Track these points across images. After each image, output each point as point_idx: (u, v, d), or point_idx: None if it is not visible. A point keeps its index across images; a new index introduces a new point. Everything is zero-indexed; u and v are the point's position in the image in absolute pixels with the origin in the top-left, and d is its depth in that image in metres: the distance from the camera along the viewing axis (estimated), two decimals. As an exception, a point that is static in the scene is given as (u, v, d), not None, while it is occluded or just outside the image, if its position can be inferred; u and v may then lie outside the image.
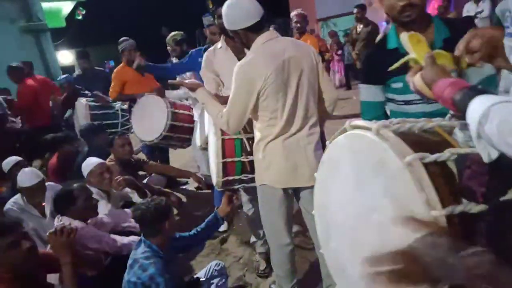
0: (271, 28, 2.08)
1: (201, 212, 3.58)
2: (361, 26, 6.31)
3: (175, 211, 3.61)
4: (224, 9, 1.94)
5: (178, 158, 5.20)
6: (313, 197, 1.99)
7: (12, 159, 3.18)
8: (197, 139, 3.23)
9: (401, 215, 0.80)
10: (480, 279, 0.52)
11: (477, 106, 0.66)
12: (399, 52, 1.50)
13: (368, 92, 1.71)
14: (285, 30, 5.44)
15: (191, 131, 3.79)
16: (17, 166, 3.13)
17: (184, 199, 3.80)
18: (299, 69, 1.95)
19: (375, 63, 1.67)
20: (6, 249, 1.71)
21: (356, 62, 6.73)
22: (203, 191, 3.99)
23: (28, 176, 2.76)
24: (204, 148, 2.84)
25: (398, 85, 1.58)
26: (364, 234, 0.98)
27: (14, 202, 2.79)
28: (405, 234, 0.78)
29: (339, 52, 9.92)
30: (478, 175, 0.70)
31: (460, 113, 0.71)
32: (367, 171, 0.95)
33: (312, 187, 2.04)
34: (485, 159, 0.64)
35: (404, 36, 1.15)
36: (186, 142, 3.96)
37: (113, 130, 4.40)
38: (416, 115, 1.57)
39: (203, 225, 2.34)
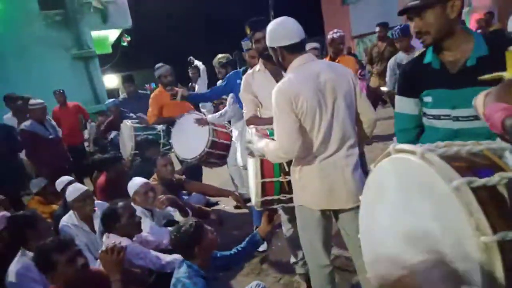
0: (308, 52, 2.12)
1: (240, 231, 3.62)
2: (385, 44, 5.87)
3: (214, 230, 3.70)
4: (270, 26, 2.05)
5: (213, 179, 5.30)
6: (351, 219, 2.01)
7: (65, 179, 3.40)
8: (238, 158, 3.30)
9: (451, 240, 0.79)
10: None
11: None
12: (431, 67, 1.58)
13: (401, 104, 1.74)
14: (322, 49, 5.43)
15: (228, 148, 3.89)
16: (69, 185, 3.34)
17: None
18: (336, 91, 1.96)
19: (410, 76, 1.71)
20: (64, 265, 1.83)
21: (372, 79, 6.14)
22: (241, 210, 4.04)
23: (74, 188, 2.97)
24: (244, 168, 2.89)
25: (428, 99, 1.62)
26: (412, 258, 0.97)
27: (68, 219, 2.96)
28: (458, 260, 0.77)
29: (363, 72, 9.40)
30: (530, 200, 0.69)
31: (509, 138, 0.71)
32: (414, 195, 0.95)
33: (350, 210, 2.06)
34: None
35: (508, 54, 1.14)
36: (223, 159, 4.06)
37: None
38: (444, 131, 1.59)
39: (243, 244, 2.36)
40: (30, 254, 2.23)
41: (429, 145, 0.98)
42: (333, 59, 4.26)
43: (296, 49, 2.00)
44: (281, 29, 2.01)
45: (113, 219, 2.38)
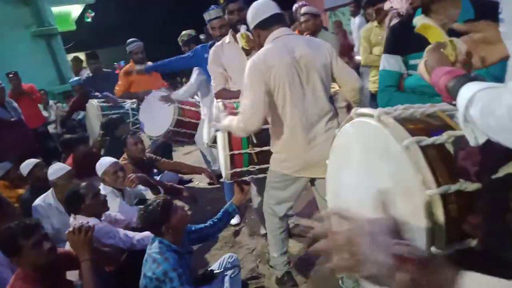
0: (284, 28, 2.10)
1: (213, 206, 3.64)
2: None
3: (187, 207, 3.71)
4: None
5: (185, 157, 5.28)
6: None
7: (31, 161, 3.28)
8: (204, 135, 3.28)
9: (403, 197, 0.83)
10: (400, 270, 0.55)
11: (465, 92, 0.69)
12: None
13: (390, 61, 1.75)
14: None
15: (197, 127, 3.86)
16: (37, 168, 3.23)
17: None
18: (310, 66, 1.99)
19: (399, 36, 1.74)
20: (30, 249, 1.78)
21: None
22: (214, 186, 4.06)
23: (58, 167, 2.93)
24: (211, 146, 2.88)
25: (416, 61, 1.64)
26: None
27: (44, 198, 2.89)
28: (407, 216, 0.81)
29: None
30: (471, 155, 0.72)
31: (454, 100, 0.74)
32: (374, 157, 0.98)
33: None
34: (472, 143, 0.67)
35: (417, 21, 1.17)
36: (192, 138, 4.04)
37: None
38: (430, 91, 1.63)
39: (219, 215, 2.41)
40: None
41: (387, 108, 1.01)
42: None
43: (268, 24, 2.02)
44: (251, 10, 2.06)
45: (76, 200, 2.33)
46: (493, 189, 0.66)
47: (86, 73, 6.43)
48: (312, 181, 2.22)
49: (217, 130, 2.36)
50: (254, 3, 2.07)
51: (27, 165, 3.26)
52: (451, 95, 0.78)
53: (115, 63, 9.84)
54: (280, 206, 2.28)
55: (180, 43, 4.64)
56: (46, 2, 8.97)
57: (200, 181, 4.57)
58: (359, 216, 0.67)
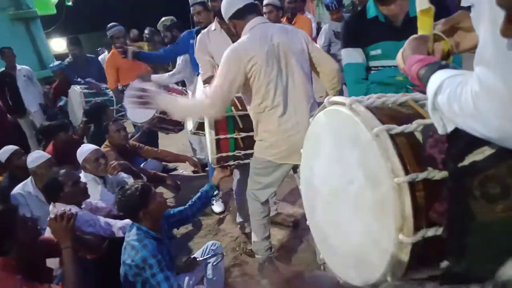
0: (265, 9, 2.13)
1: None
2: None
3: (172, 195, 3.70)
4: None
5: (171, 145, 5.24)
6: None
7: (9, 148, 3.21)
8: (188, 122, 3.25)
9: (372, 184, 0.84)
10: None
11: (435, 79, 0.69)
12: (379, 20, 1.65)
13: (349, 55, 1.79)
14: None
15: None
16: (15, 156, 3.16)
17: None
18: (288, 53, 2.02)
19: (355, 30, 1.78)
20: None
21: None
22: (199, 174, 4.05)
23: (35, 156, 2.87)
24: (195, 133, 2.87)
25: (377, 51, 1.67)
26: (343, 206, 1.02)
27: (23, 186, 2.84)
28: (376, 203, 0.82)
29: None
30: (438, 143, 0.73)
31: (425, 88, 0.74)
32: (345, 145, 0.99)
33: None
34: (440, 131, 0.67)
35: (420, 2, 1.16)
36: (178, 126, 3.99)
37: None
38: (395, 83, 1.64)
39: (198, 194, 2.41)
40: None
41: (359, 97, 1.01)
42: (290, 19, 4.18)
43: (243, 14, 2.05)
44: (224, 4, 2.09)
45: (55, 188, 2.29)
46: (458, 177, 0.67)
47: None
48: (295, 168, 2.24)
49: None
50: None
51: (4, 152, 3.19)
52: (423, 83, 0.79)
53: (98, 49, 9.59)
54: (263, 191, 2.30)
55: (161, 29, 4.55)
56: (27, -15, 8.67)
57: (184, 170, 4.55)
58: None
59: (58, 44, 13.53)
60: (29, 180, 2.87)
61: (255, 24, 2.03)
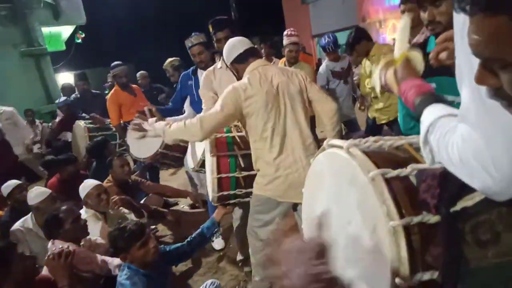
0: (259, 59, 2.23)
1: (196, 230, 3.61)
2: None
3: (170, 232, 3.67)
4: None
5: (171, 180, 5.26)
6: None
7: (12, 183, 3.23)
8: (189, 161, 3.28)
9: (369, 227, 0.86)
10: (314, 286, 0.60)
11: (427, 116, 0.73)
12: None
13: None
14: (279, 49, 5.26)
15: (185, 150, 3.86)
16: (17, 189, 3.18)
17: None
18: (287, 93, 2.11)
19: None
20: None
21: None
22: (198, 210, 4.04)
23: (37, 192, 2.87)
24: (197, 170, 2.90)
25: (432, 85, 1.67)
26: (343, 245, 1.03)
27: (23, 222, 2.84)
28: (372, 245, 0.84)
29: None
30: (431, 188, 0.76)
31: (418, 116, 0.78)
32: (343, 186, 1.02)
33: None
34: (428, 163, 0.70)
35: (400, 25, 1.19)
36: (179, 161, 4.02)
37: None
38: None
39: (199, 230, 2.41)
40: None
41: (357, 140, 1.05)
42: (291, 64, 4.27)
43: (244, 58, 2.18)
44: (226, 48, 2.22)
45: (56, 224, 2.29)
46: (450, 222, 0.69)
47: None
48: (295, 206, 2.24)
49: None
50: (228, 42, 2.24)
51: (7, 187, 3.21)
52: (417, 112, 0.82)
53: (104, 85, 9.84)
54: (263, 229, 2.29)
55: (169, 68, 4.72)
56: (37, 23, 9.03)
57: (185, 204, 4.54)
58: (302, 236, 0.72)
59: (65, 79, 13.88)
60: (29, 216, 2.88)
61: (256, 67, 2.14)
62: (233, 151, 2.37)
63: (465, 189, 0.68)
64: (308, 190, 1.28)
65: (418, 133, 1.80)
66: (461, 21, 0.59)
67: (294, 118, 2.11)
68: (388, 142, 1.00)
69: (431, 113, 0.74)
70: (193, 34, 3.05)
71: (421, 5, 1.56)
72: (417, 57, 1.05)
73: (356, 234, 0.92)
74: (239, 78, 2.23)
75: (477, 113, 0.56)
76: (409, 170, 0.84)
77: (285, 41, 4.09)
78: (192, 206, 4.31)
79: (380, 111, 3.64)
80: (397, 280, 0.75)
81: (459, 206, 0.68)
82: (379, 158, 0.92)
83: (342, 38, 4.65)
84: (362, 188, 0.87)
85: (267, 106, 2.05)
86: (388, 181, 0.82)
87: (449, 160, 0.63)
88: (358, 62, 3.73)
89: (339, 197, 1.05)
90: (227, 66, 2.76)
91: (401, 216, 0.76)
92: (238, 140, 2.40)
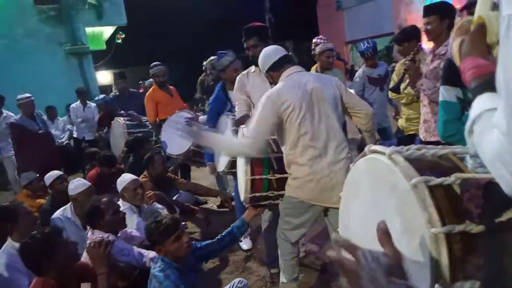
0: (294, 66, 2.28)
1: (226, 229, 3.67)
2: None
3: (199, 229, 3.74)
4: None
5: (201, 180, 5.35)
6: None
7: (54, 173, 3.42)
8: (220, 163, 3.34)
9: (409, 233, 0.86)
10: None
11: (478, 104, 0.72)
12: None
13: (447, 93, 1.78)
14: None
15: None
16: (59, 180, 3.36)
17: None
18: (321, 98, 2.14)
19: (457, 68, 1.75)
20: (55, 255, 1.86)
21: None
22: (226, 209, 4.10)
23: (77, 184, 3.03)
24: (227, 172, 2.96)
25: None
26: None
27: (62, 211, 3.00)
28: (412, 252, 0.84)
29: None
30: (475, 197, 0.76)
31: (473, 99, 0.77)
32: (382, 192, 1.02)
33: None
34: (471, 152, 0.70)
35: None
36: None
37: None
38: None
39: (229, 229, 2.45)
40: (16, 244, 2.26)
41: (399, 147, 1.06)
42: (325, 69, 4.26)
43: (279, 65, 2.24)
44: (261, 58, 2.31)
45: (97, 215, 2.41)
46: (494, 232, 0.69)
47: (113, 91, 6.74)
48: (326, 211, 2.25)
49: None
50: (263, 50, 2.31)
51: (50, 177, 3.40)
52: (472, 96, 0.79)
53: (140, 82, 10.17)
54: (293, 232, 2.32)
55: (208, 67, 4.85)
56: (81, 23, 9.49)
57: (213, 204, 4.62)
58: (364, 249, 0.70)
59: (104, 77, 14.46)
60: (68, 205, 3.04)
61: (291, 73, 2.20)
62: (266, 154, 2.41)
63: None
64: (345, 195, 1.29)
65: (457, 141, 1.74)
66: (504, 27, 0.59)
67: (327, 123, 2.14)
68: (431, 150, 1.00)
69: (480, 104, 0.73)
70: (222, 54, 3.20)
71: (470, 13, 1.52)
72: (493, 23, 0.90)
73: (396, 241, 0.92)
74: (274, 84, 2.28)
75: (508, 126, 0.57)
76: (453, 179, 0.84)
77: (321, 47, 4.10)
78: (220, 206, 4.39)
79: (410, 121, 3.57)
80: (437, 286, 0.75)
81: (505, 217, 0.68)
82: (421, 166, 0.92)
83: (379, 45, 4.60)
84: (403, 194, 0.88)
85: (300, 110, 2.09)
86: (430, 189, 0.82)
87: (484, 157, 0.64)
88: (404, 54, 3.62)
89: (377, 203, 1.06)
90: (260, 71, 2.83)
91: (443, 223, 0.77)
92: (272, 143, 2.43)
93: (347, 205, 1.28)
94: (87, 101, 6.75)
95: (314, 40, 4.29)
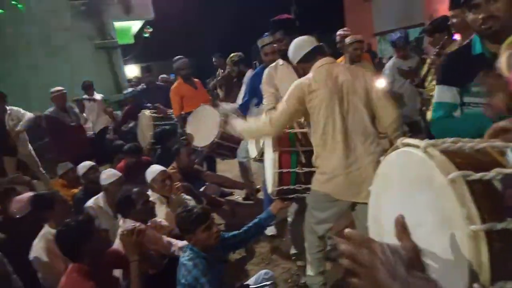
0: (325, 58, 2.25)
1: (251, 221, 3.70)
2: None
3: (224, 221, 3.79)
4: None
5: (226, 173, 5.40)
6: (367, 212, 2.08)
7: (87, 164, 3.55)
8: (251, 150, 3.36)
9: (444, 229, 0.84)
10: None
11: None
12: (485, 57, 1.56)
13: (443, 93, 1.73)
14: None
15: (239, 141, 3.97)
16: (91, 170, 3.48)
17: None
18: (351, 92, 2.10)
19: (458, 66, 1.70)
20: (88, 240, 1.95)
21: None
22: (251, 202, 4.13)
23: (109, 174, 3.15)
24: (259, 159, 2.97)
25: (480, 88, 1.60)
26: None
27: (95, 200, 3.12)
28: (445, 249, 0.82)
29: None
30: (518, 194, 0.72)
31: None
32: (415, 187, 1.00)
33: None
34: None
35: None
36: (233, 152, 4.15)
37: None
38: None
39: (255, 220, 2.48)
40: (53, 231, 2.36)
41: (434, 140, 1.02)
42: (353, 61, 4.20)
43: (310, 57, 2.22)
44: (291, 50, 2.29)
45: (128, 204, 2.49)
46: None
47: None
48: (353, 205, 2.23)
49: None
50: (294, 41, 2.27)
51: (83, 167, 3.53)
52: None
53: (164, 75, 10.33)
54: (319, 226, 2.32)
55: (230, 62, 4.87)
56: (110, 17, 9.71)
57: (240, 196, 4.66)
58: (382, 243, 0.69)
59: (132, 70, 14.77)
60: (100, 195, 3.14)
61: (322, 64, 2.17)
62: (295, 147, 2.41)
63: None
64: (375, 189, 1.27)
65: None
66: None
67: (357, 117, 2.10)
68: (468, 143, 0.96)
69: None
70: (265, 34, 3.14)
71: (471, 5, 1.46)
72: None
73: (427, 237, 0.90)
74: (304, 74, 2.25)
75: None
76: (493, 174, 0.81)
77: (350, 38, 4.02)
78: (245, 198, 4.42)
79: None
80: (475, 285, 0.73)
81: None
82: (459, 160, 0.89)
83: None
84: (439, 189, 0.85)
85: (330, 102, 2.06)
86: (469, 184, 0.80)
87: None
88: (435, 45, 3.50)
89: (410, 198, 1.03)
90: (288, 63, 2.81)
91: (483, 221, 0.74)
92: (300, 136, 2.43)
93: (377, 199, 1.26)
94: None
95: (339, 32, 4.22)
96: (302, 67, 2.27)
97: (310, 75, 2.16)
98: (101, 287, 1.95)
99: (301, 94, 2.10)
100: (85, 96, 6.60)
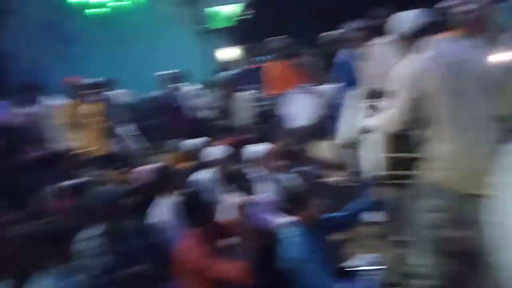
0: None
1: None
2: None
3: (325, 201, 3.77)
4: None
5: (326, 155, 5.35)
6: (482, 204, 1.89)
7: (201, 140, 3.86)
8: (342, 133, 3.28)
9: None
10: None
11: None
12: None
13: None
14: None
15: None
16: (203, 146, 3.79)
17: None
18: (474, 72, 1.89)
19: None
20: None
21: None
22: (352, 184, 4.03)
23: (219, 149, 3.41)
24: (346, 146, 2.91)
25: None
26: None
27: (206, 174, 3.32)
28: None
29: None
30: None
31: None
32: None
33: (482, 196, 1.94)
34: None
35: None
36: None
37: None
38: None
39: (357, 204, 2.48)
40: (170, 200, 2.62)
41: None
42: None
43: (422, 32, 2.00)
44: (398, 23, 2.11)
45: (238, 178, 2.65)
46: None
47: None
48: (465, 197, 2.04)
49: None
50: (402, 14, 2.09)
51: (195, 143, 3.84)
52: None
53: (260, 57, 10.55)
54: (428, 215, 2.17)
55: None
56: (205, 4, 10.19)
57: (339, 177, 4.59)
58: None
59: (224, 54, 15.34)
60: (211, 169, 3.34)
61: (434, 44, 1.97)
62: (403, 132, 2.28)
63: None
64: (497, 180, 1.16)
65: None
66: None
67: (474, 101, 1.90)
68: None
69: None
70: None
71: None
72: None
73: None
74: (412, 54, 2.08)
75: None
76: None
77: (465, 7, 3.56)
78: (344, 180, 4.33)
79: None
80: None
81: None
82: None
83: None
84: None
85: (443, 86, 1.89)
86: None
87: None
88: None
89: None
90: (388, 41, 2.63)
91: None
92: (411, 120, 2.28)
93: (499, 190, 1.15)
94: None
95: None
96: (410, 43, 2.10)
97: (418, 57, 2.02)
98: (217, 253, 2.13)
99: (413, 83, 1.97)
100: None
